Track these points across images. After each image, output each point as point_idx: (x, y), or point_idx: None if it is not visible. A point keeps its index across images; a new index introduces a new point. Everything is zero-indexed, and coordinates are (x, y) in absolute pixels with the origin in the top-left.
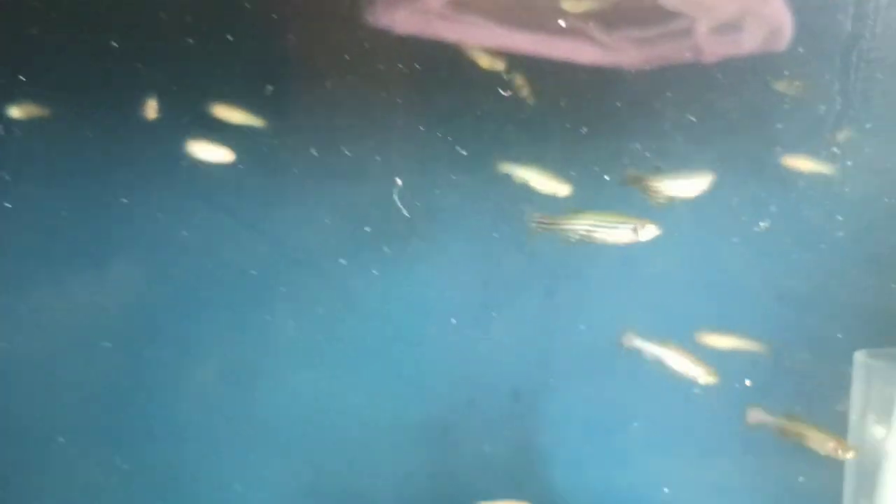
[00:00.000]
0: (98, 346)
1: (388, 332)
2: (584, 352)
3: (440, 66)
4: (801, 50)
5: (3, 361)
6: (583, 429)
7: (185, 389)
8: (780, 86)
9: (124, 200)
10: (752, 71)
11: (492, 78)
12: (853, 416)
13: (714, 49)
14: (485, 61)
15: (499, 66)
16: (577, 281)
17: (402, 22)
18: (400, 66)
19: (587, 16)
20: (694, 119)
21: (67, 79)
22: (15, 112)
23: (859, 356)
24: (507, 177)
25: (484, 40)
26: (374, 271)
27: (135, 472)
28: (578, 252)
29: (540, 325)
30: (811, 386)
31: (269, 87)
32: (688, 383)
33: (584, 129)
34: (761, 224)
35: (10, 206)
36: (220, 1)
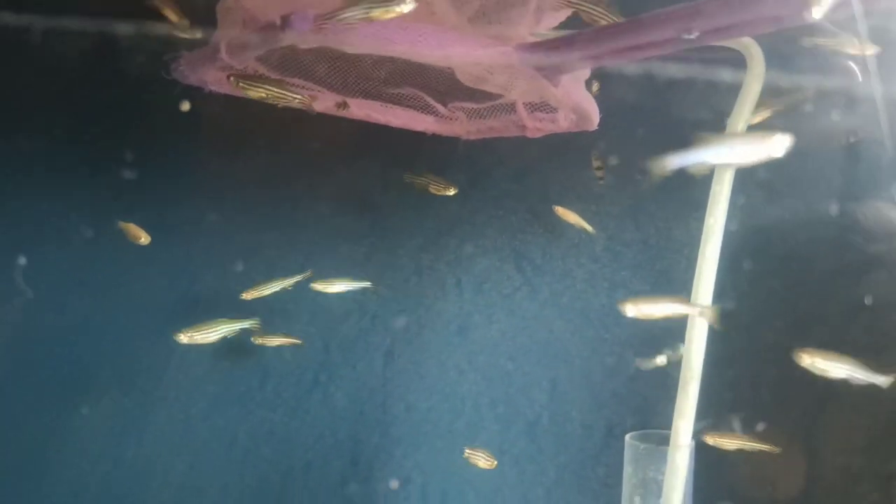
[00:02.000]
0: None
1: (221, 395)
2: (423, 417)
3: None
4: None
5: None
6: (420, 497)
7: None
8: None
9: None
10: (572, 146)
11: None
12: (623, 499)
13: (536, 125)
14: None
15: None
16: (415, 344)
17: (213, 81)
18: None
19: (423, 86)
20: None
21: None
22: None
23: (628, 438)
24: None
25: (391, 119)
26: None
27: None
28: (417, 317)
29: (379, 389)
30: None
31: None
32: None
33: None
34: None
35: None
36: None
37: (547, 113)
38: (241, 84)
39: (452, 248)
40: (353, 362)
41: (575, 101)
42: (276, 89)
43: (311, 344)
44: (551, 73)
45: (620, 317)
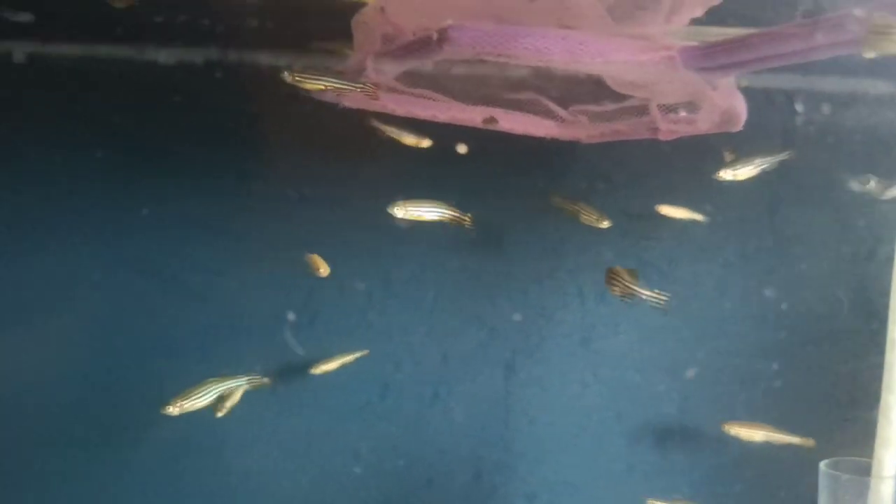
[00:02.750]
0: None
1: (344, 410)
2: (546, 431)
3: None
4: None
5: None
6: None
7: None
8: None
9: None
10: (709, 150)
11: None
12: None
13: (670, 127)
14: (410, 140)
15: (424, 144)
16: (536, 356)
17: (349, 96)
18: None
19: (543, 89)
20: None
21: None
22: None
23: (824, 466)
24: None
25: (436, 114)
26: (332, 345)
27: None
28: (538, 328)
29: (500, 402)
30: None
31: None
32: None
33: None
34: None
35: None
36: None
37: (685, 114)
38: (296, 77)
39: (573, 256)
40: (473, 376)
41: (730, 102)
42: (334, 81)
43: (429, 357)
44: (713, 77)
45: (755, 325)
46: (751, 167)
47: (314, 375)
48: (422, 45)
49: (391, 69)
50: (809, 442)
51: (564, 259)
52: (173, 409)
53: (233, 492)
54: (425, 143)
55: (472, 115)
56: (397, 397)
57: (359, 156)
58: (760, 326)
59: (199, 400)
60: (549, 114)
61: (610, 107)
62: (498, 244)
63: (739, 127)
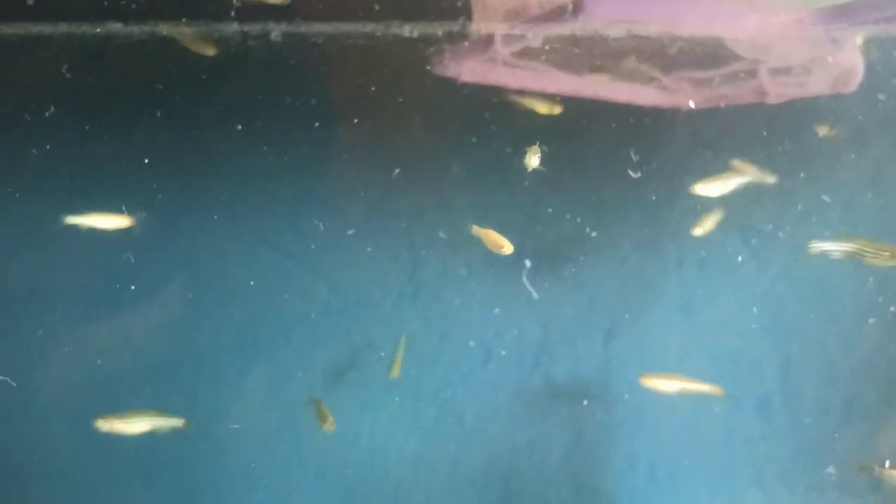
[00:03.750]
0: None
1: (447, 376)
2: (646, 397)
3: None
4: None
5: None
6: (647, 475)
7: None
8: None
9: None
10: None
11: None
12: None
13: (779, 90)
14: (543, 107)
15: (556, 110)
16: (637, 323)
17: (467, 71)
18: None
19: (646, 58)
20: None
21: None
22: None
23: None
24: (566, 219)
25: (546, 86)
26: (437, 316)
27: None
28: (638, 295)
29: (600, 368)
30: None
31: None
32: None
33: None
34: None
35: None
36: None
37: (796, 77)
38: None
39: (673, 224)
40: (573, 343)
41: (850, 62)
42: None
43: (530, 326)
44: (841, 37)
45: (859, 290)
46: (726, 184)
47: (420, 345)
48: (555, 15)
49: (517, 41)
50: (717, 390)
51: (664, 227)
52: (103, 425)
53: (347, 454)
54: (557, 109)
55: (579, 86)
56: (499, 365)
57: (468, 131)
58: (861, 291)
59: (127, 426)
60: (651, 82)
61: (715, 73)
62: (598, 214)
63: (853, 88)
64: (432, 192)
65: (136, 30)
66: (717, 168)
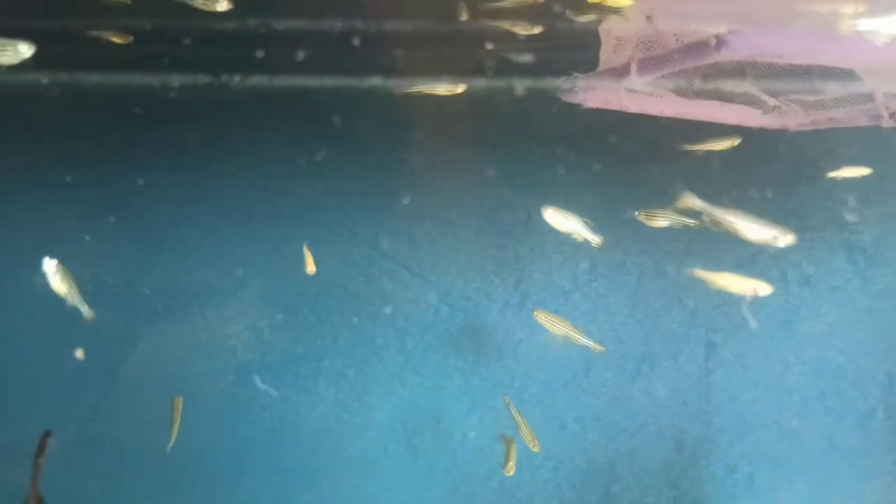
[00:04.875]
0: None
1: (550, 382)
2: (747, 408)
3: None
4: None
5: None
6: (746, 484)
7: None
8: None
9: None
10: None
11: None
12: None
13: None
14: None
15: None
16: (738, 336)
17: (592, 98)
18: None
19: (757, 82)
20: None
21: None
22: None
23: None
24: (668, 235)
25: (663, 109)
26: (540, 325)
27: None
28: (740, 309)
29: (702, 379)
30: None
31: None
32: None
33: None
34: None
35: None
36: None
37: None
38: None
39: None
40: (675, 353)
41: None
42: None
43: (632, 336)
44: None
45: None
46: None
47: (526, 350)
48: (696, 49)
49: (653, 71)
50: (599, 347)
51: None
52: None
53: (454, 451)
54: (735, 142)
55: (692, 109)
56: (601, 372)
57: (575, 152)
58: None
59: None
60: (761, 104)
61: (827, 95)
62: (700, 231)
63: None
64: (537, 207)
65: None
66: (821, 187)
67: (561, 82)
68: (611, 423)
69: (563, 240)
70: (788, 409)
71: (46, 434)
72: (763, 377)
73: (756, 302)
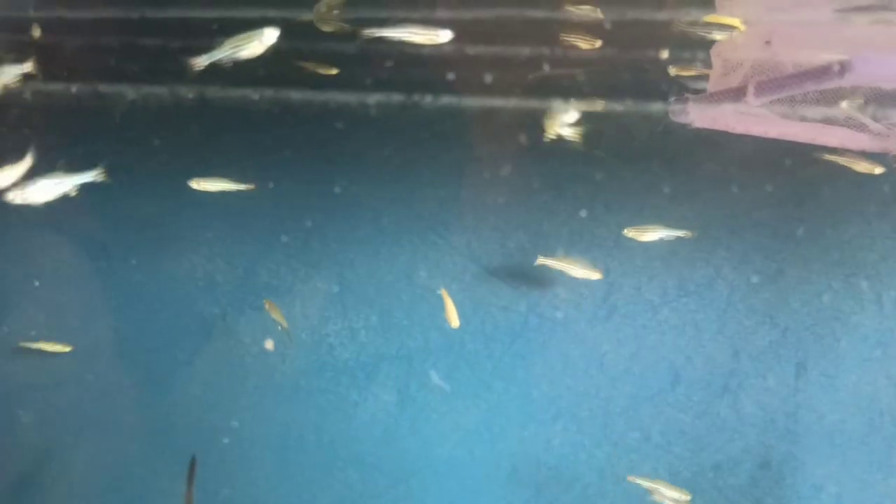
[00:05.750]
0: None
1: (636, 394)
2: (836, 428)
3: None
4: None
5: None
6: None
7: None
8: None
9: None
10: None
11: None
12: None
13: None
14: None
15: (877, 171)
16: (829, 357)
17: (700, 117)
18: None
19: (862, 105)
20: None
21: None
22: None
23: None
24: (761, 255)
25: (768, 130)
26: (628, 337)
27: None
28: (832, 330)
29: (790, 398)
30: None
31: None
32: None
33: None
34: None
35: None
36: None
37: None
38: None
39: (871, 263)
40: (764, 372)
41: None
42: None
43: (720, 352)
44: None
45: None
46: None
47: (612, 362)
48: (819, 73)
49: (768, 95)
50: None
51: (863, 266)
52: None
53: (539, 457)
54: (878, 169)
55: (796, 130)
56: (687, 387)
57: (668, 171)
58: None
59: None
60: (863, 128)
61: None
62: (793, 250)
63: None
64: (629, 222)
65: None
66: None
67: (673, 102)
68: (696, 438)
69: (654, 255)
70: (879, 431)
71: (194, 462)
72: (853, 398)
73: (848, 324)
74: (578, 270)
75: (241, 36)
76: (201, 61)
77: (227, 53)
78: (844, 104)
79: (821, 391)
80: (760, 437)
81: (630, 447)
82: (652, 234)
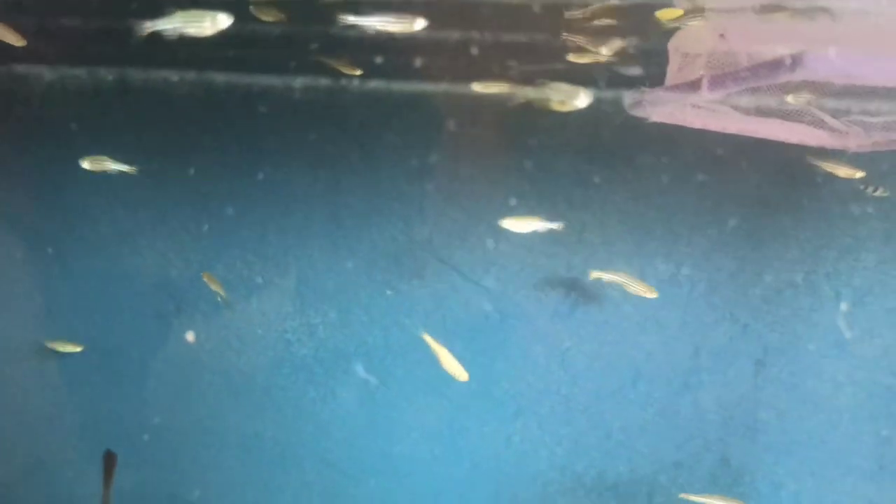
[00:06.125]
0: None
1: (598, 391)
2: (795, 426)
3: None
4: None
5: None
6: (793, 502)
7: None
8: None
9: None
10: None
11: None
12: None
13: None
14: (843, 171)
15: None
16: (789, 354)
17: (657, 112)
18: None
19: (815, 101)
20: None
21: None
22: None
23: None
24: (722, 251)
25: (726, 125)
26: (589, 334)
27: None
28: (792, 327)
29: (749, 395)
30: None
31: None
32: None
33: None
34: None
35: None
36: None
37: None
38: None
39: (831, 261)
40: (724, 368)
41: None
42: None
43: (681, 349)
44: None
45: None
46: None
47: (574, 358)
48: (769, 67)
49: (722, 89)
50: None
51: (822, 263)
52: None
53: (499, 453)
54: (859, 174)
55: (754, 127)
56: (648, 384)
57: (632, 169)
58: None
59: None
60: (822, 124)
61: (891, 117)
62: (755, 248)
63: None
64: (593, 220)
65: None
66: (878, 207)
67: (628, 96)
68: (656, 435)
69: (616, 251)
70: (837, 429)
71: (111, 458)
72: (813, 396)
73: (808, 322)
74: (635, 287)
75: (194, 12)
76: (148, 27)
77: (175, 25)
78: (790, 98)
79: (780, 388)
80: (720, 434)
81: (591, 444)
82: (528, 225)
